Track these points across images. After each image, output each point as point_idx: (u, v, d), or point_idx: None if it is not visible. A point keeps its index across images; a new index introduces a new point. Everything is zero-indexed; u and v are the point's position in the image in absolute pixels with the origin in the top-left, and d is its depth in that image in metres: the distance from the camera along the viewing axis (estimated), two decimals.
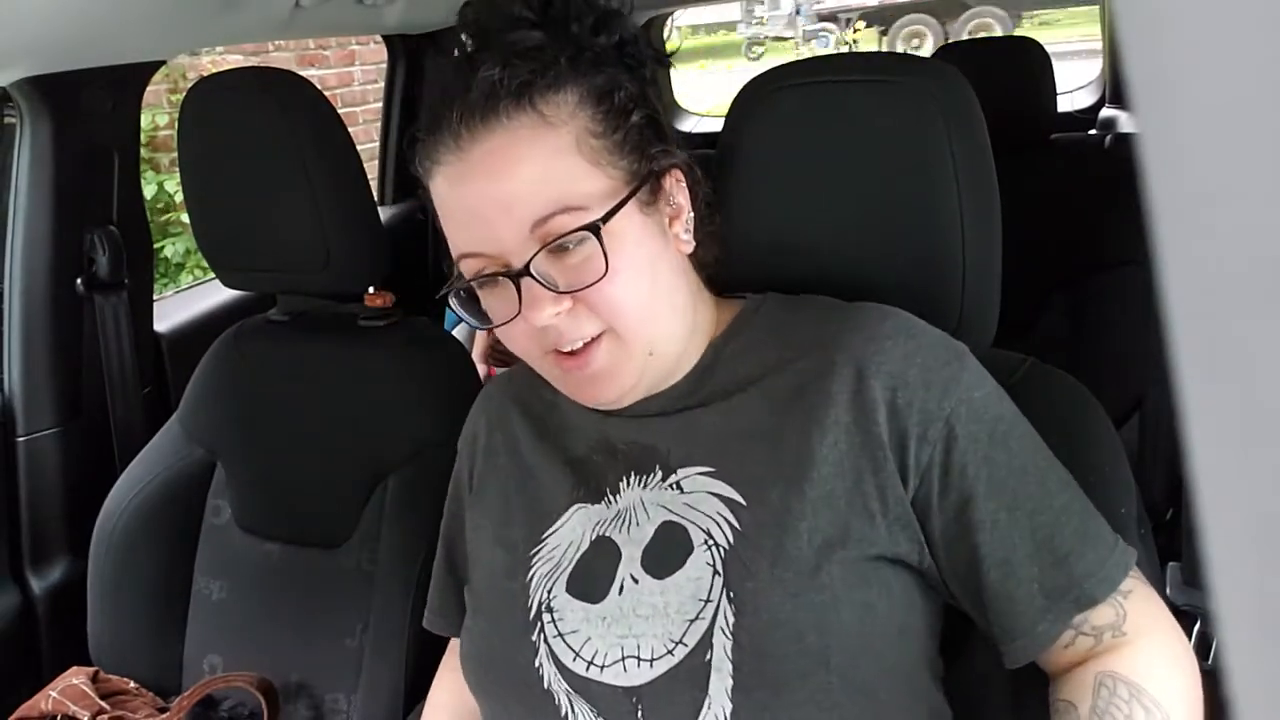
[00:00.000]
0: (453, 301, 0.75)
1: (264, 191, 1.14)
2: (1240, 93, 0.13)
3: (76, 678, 1.14)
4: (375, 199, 1.72)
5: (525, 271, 0.69)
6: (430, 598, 0.93)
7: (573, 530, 0.78)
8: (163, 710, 1.15)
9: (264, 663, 1.16)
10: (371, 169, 1.05)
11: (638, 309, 0.72)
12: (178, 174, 1.27)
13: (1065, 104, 2.67)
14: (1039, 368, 0.83)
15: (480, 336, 1.94)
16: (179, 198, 2.87)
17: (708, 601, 0.70)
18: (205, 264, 1.27)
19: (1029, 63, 2.06)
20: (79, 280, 1.41)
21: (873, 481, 0.70)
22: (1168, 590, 0.87)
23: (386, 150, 2.18)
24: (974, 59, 2.05)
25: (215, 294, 1.71)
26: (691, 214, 0.78)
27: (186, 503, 1.24)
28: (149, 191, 3.38)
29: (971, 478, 0.69)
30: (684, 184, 0.78)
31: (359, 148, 1.18)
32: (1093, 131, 2.51)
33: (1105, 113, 2.58)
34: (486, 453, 0.86)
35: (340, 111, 1.17)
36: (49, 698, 1.11)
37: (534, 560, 0.78)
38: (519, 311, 0.70)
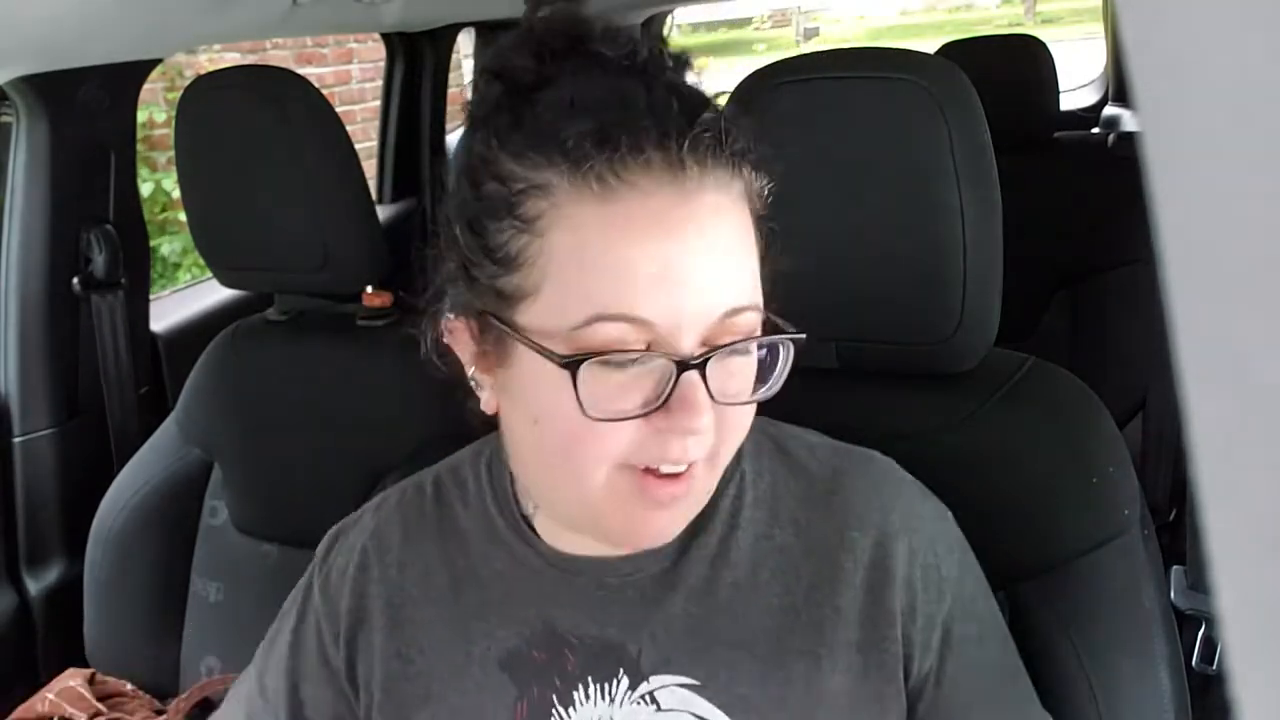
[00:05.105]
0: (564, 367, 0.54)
1: (261, 190, 1.13)
2: (1244, 90, 0.13)
3: (73, 679, 1.13)
4: (374, 198, 1.71)
5: (700, 365, 0.54)
6: None
7: None
8: (160, 713, 1.15)
9: None
10: (370, 168, 1.05)
11: (743, 438, 0.60)
12: (174, 172, 1.27)
13: (1068, 102, 2.67)
14: (1041, 367, 0.83)
15: None
16: (176, 196, 2.87)
17: None
18: (202, 263, 1.26)
19: (1031, 60, 2.06)
20: (75, 279, 1.40)
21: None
22: (1172, 594, 0.87)
23: (385, 149, 2.18)
24: (976, 56, 2.04)
25: (212, 293, 1.70)
26: None
27: (183, 504, 1.23)
28: (146, 190, 3.37)
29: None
30: None
31: (357, 146, 1.18)
32: (1096, 130, 2.50)
33: (1108, 111, 2.57)
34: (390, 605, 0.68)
35: (338, 110, 1.17)
36: (46, 699, 1.11)
37: None
38: (656, 407, 0.54)
